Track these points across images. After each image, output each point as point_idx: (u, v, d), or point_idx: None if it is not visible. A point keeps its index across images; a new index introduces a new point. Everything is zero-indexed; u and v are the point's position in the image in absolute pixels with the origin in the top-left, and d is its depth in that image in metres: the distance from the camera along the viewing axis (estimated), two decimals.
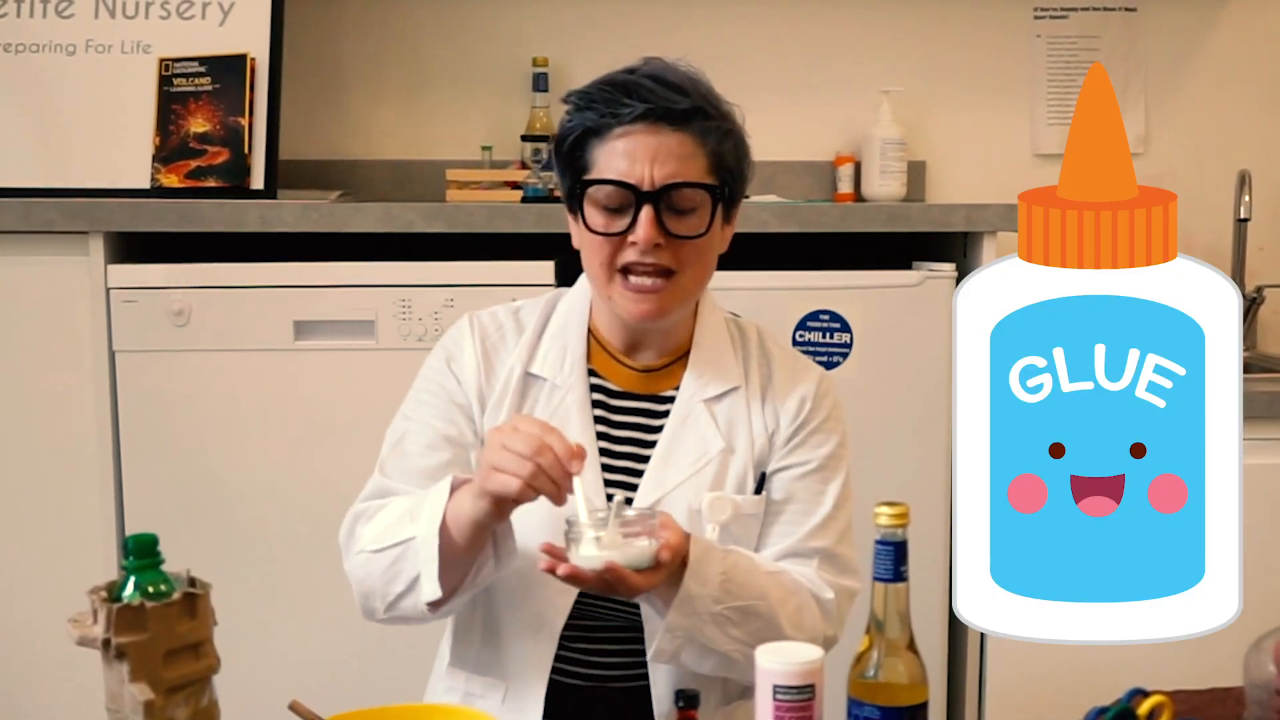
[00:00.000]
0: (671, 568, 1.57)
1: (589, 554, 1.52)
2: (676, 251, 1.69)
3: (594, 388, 1.80)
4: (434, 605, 1.64)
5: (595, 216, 1.70)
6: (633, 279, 1.70)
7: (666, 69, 1.71)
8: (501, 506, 1.56)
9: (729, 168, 1.73)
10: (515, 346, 1.81)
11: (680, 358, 1.82)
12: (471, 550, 1.61)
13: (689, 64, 1.74)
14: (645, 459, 1.78)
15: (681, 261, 1.70)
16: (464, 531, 1.59)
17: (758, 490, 1.78)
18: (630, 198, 1.67)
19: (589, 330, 1.82)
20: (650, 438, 1.79)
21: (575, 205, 1.74)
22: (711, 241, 1.74)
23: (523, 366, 1.79)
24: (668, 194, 1.66)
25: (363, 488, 1.80)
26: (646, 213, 1.66)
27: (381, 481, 1.78)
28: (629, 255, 1.69)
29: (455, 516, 1.59)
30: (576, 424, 1.76)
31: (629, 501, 1.71)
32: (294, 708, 1.43)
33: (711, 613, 1.62)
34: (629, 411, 1.80)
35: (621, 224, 1.68)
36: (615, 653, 1.77)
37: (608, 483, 1.76)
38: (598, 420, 1.78)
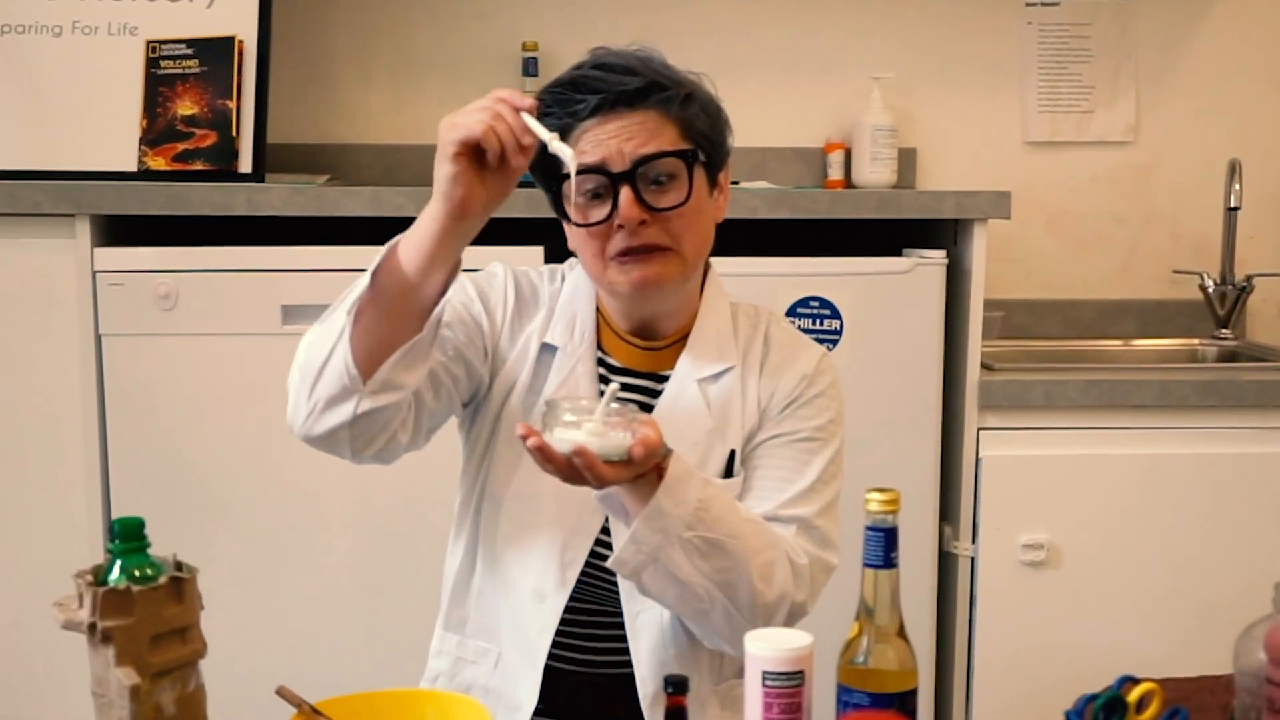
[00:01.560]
0: (644, 467, 1.54)
1: (563, 435, 1.50)
2: (665, 225, 1.68)
3: (599, 361, 1.81)
4: (359, 338, 1.57)
5: (578, 212, 1.70)
6: (625, 257, 1.69)
7: (611, 55, 1.70)
8: (462, 182, 1.53)
9: (701, 132, 1.72)
10: (539, 312, 1.83)
11: (682, 339, 1.82)
12: (423, 268, 1.57)
13: (640, 46, 1.75)
14: None
15: (673, 234, 1.69)
16: (420, 243, 1.56)
17: (728, 471, 1.78)
18: (605, 182, 1.66)
19: (596, 309, 1.83)
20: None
21: (559, 208, 1.74)
22: (700, 208, 1.73)
23: (540, 336, 1.81)
24: (641, 168, 1.66)
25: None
26: (626, 193, 1.65)
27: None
28: (619, 241, 1.68)
29: (408, 238, 1.58)
30: (583, 391, 1.77)
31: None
32: (281, 693, 1.43)
33: (681, 536, 1.59)
34: (630, 388, 1.80)
35: (603, 211, 1.67)
36: (607, 638, 1.77)
37: None
38: (602, 394, 1.78)
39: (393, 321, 1.58)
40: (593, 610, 1.77)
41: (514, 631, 1.78)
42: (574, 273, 1.85)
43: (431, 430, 1.77)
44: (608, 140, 1.66)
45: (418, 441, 1.72)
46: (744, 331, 1.84)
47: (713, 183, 1.77)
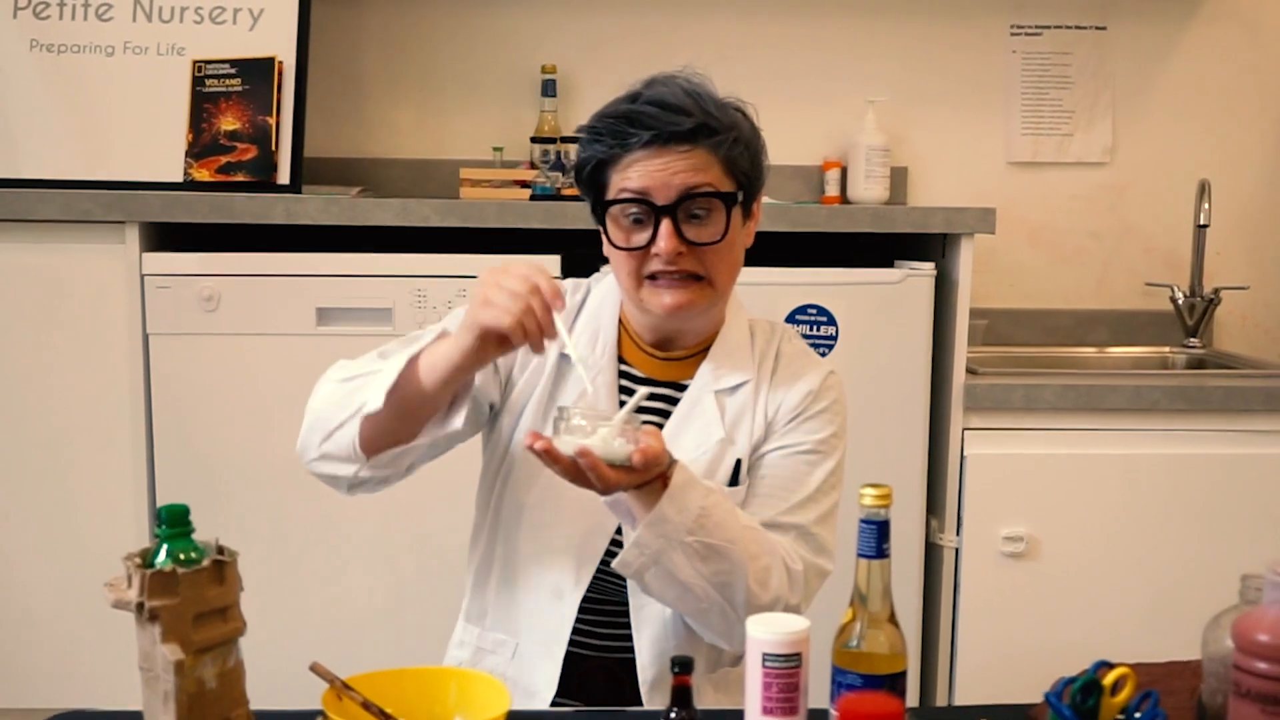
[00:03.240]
0: (646, 475, 1.52)
1: (569, 439, 1.49)
2: (701, 257, 1.68)
3: (621, 373, 1.80)
4: (369, 429, 1.60)
5: (618, 233, 1.69)
6: (661, 280, 1.69)
7: (668, 93, 1.67)
8: (484, 344, 1.53)
9: (743, 170, 1.70)
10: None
11: (702, 350, 1.80)
12: (435, 390, 1.58)
13: (692, 74, 1.72)
14: None
15: (707, 265, 1.69)
16: (436, 367, 1.56)
17: (734, 480, 1.76)
18: (648, 212, 1.66)
19: (620, 321, 1.81)
20: (665, 421, 1.78)
21: (600, 221, 1.73)
22: (734, 241, 1.71)
23: (559, 348, 1.78)
24: (684, 204, 1.65)
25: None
26: (666, 225, 1.64)
27: (372, 360, 1.73)
28: (654, 265, 1.67)
29: (431, 353, 1.58)
30: (603, 400, 1.76)
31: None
32: (315, 669, 1.43)
33: (682, 541, 1.57)
34: (652, 397, 1.78)
35: (643, 237, 1.66)
36: (615, 625, 1.77)
37: None
38: (623, 403, 1.76)
39: (399, 421, 1.61)
40: (603, 601, 1.77)
41: (532, 625, 1.77)
42: (600, 286, 1.84)
43: (441, 452, 1.76)
44: (655, 172, 1.64)
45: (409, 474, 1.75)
46: (759, 346, 1.82)
47: (747, 213, 1.75)
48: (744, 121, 1.72)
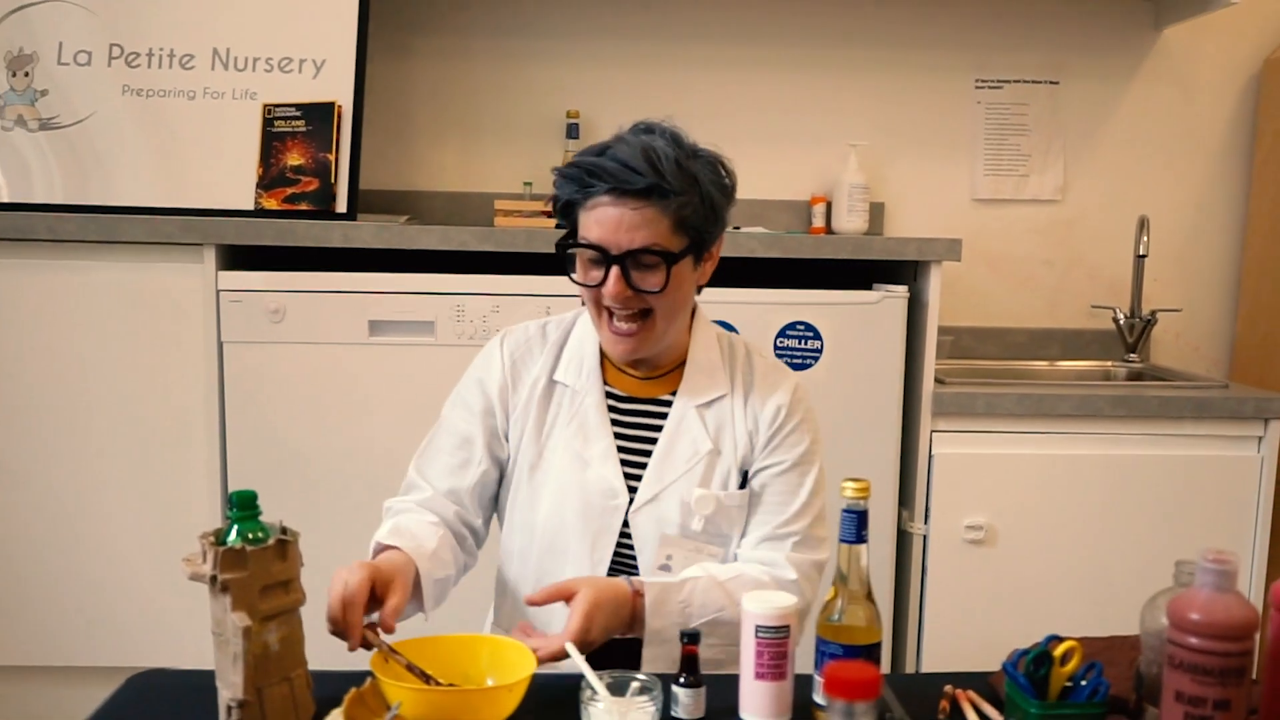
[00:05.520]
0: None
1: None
2: (644, 297, 1.64)
3: (606, 394, 1.77)
4: None
5: (580, 269, 1.67)
6: (615, 322, 1.67)
7: (630, 153, 1.60)
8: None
9: (693, 225, 1.64)
10: (540, 357, 1.79)
11: (676, 367, 1.77)
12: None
13: (665, 130, 1.66)
14: (647, 454, 1.74)
15: (650, 304, 1.65)
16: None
17: (741, 485, 1.75)
18: (602, 257, 1.62)
19: (600, 346, 1.78)
20: (652, 435, 1.74)
21: (566, 264, 1.69)
22: (678, 287, 1.66)
23: (548, 375, 1.78)
24: (633, 255, 1.61)
25: (416, 455, 1.81)
26: (615, 272, 1.61)
27: (412, 477, 1.80)
28: (608, 300, 1.65)
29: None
30: (594, 421, 1.74)
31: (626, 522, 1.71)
32: (366, 636, 1.43)
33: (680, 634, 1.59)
34: (635, 414, 1.76)
35: (597, 276, 1.63)
36: None
37: (625, 475, 1.73)
38: (612, 421, 1.75)
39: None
40: None
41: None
42: (583, 318, 1.80)
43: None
44: (610, 224, 1.60)
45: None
46: (730, 361, 1.79)
47: (700, 257, 1.70)
48: (706, 176, 1.65)
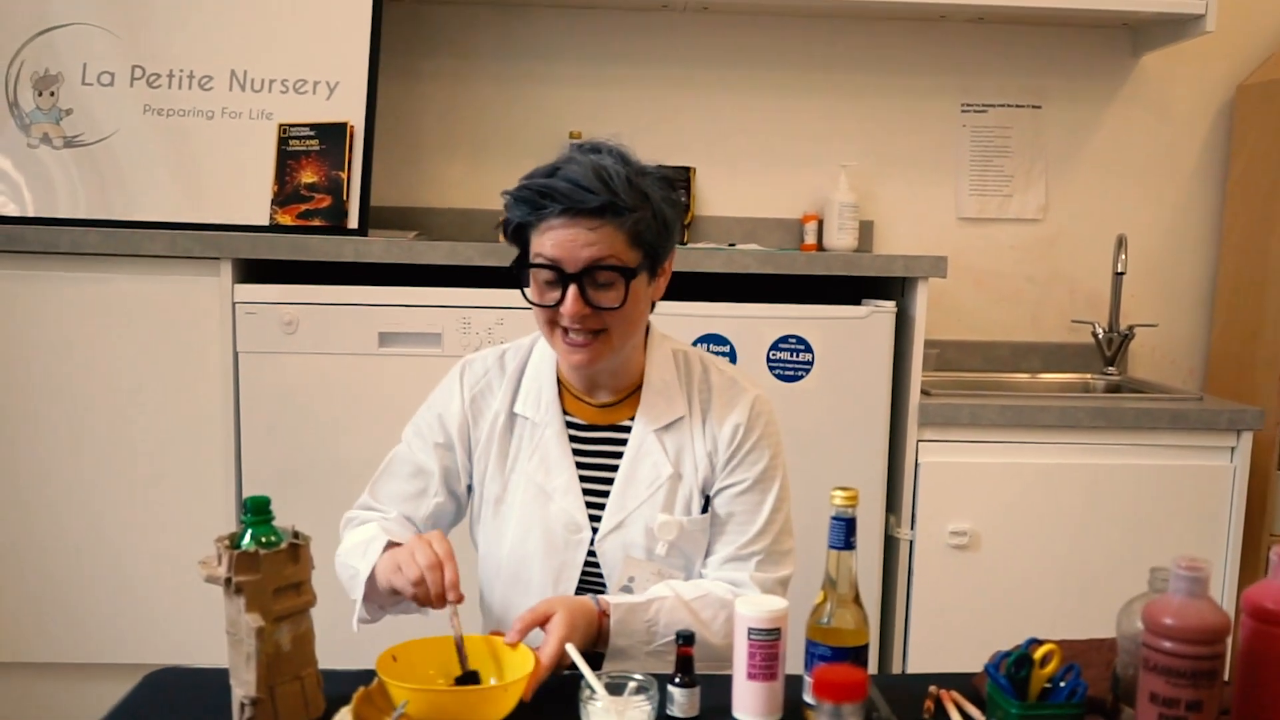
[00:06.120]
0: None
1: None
2: (602, 316, 1.59)
3: (567, 424, 1.72)
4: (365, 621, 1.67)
5: (535, 290, 1.61)
6: (570, 335, 1.62)
7: (580, 172, 1.55)
8: (391, 593, 1.57)
9: (647, 241, 1.59)
10: (499, 391, 1.75)
11: (634, 391, 1.72)
12: (387, 600, 1.63)
13: (614, 148, 1.61)
14: (611, 481, 1.70)
15: (607, 322, 1.60)
16: (383, 586, 1.58)
17: (704, 509, 1.71)
18: (557, 276, 1.57)
19: (557, 375, 1.74)
20: (614, 462, 1.70)
21: (518, 277, 1.64)
22: (636, 300, 1.61)
23: (507, 409, 1.74)
24: (589, 273, 1.56)
25: (371, 480, 1.81)
26: (572, 290, 1.56)
27: (367, 499, 1.80)
28: (564, 320, 1.59)
29: (379, 572, 1.59)
30: (556, 453, 1.70)
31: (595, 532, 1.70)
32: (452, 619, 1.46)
33: (646, 651, 1.57)
34: (595, 442, 1.71)
35: (554, 296, 1.58)
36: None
37: (586, 504, 1.70)
38: (574, 452, 1.71)
39: (378, 596, 1.63)
40: (602, 585, 1.72)
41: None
42: (539, 346, 1.76)
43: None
44: (565, 243, 1.55)
45: None
46: (686, 379, 1.73)
47: (654, 272, 1.65)
48: (656, 193, 1.61)
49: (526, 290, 1.63)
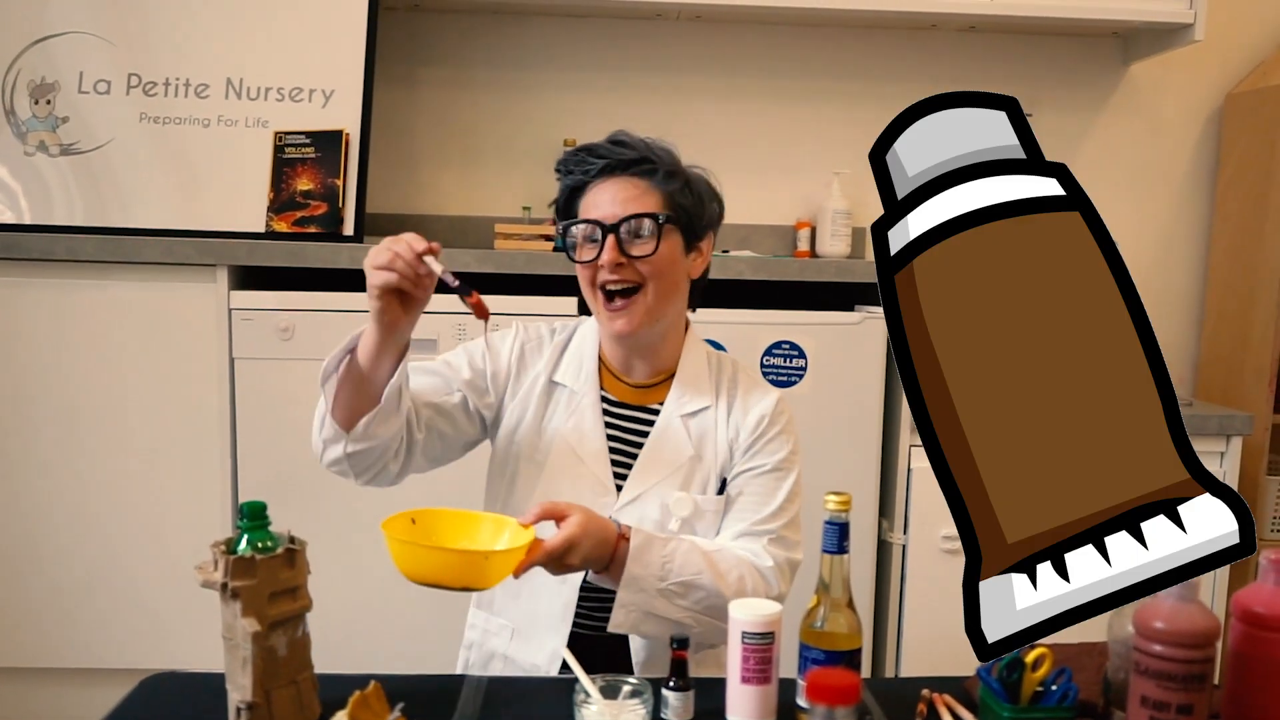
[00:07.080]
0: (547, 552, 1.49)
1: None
2: (637, 267, 1.68)
3: (601, 398, 1.79)
4: (339, 408, 1.62)
5: (576, 250, 1.72)
6: (611, 301, 1.70)
7: (623, 135, 1.74)
8: (385, 300, 1.53)
9: (681, 205, 1.72)
10: (544, 355, 1.82)
11: (668, 378, 1.80)
12: (372, 357, 1.59)
13: (656, 138, 1.77)
14: (635, 456, 1.76)
15: (644, 276, 1.69)
16: (366, 337, 1.58)
17: (720, 491, 1.75)
18: (596, 230, 1.69)
19: (599, 354, 1.82)
20: (639, 440, 1.76)
21: (567, 248, 1.74)
22: (671, 259, 1.72)
23: (548, 375, 1.80)
24: (625, 223, 1.67)
25: (421, 480, 1.80)
26: (609, 240, 1.67)
27: None
28: (603, 274, 1.69)
29: (361, 344, 1.60)
30: (590, 421, 1.76)
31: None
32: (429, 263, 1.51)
33: (658, 589, 1.58)
34: (626, 419, 1.78)
35: (594, 252, 1.69)
36: (610, 607, 1.75)
37: (613, 474, 1.75)
38: (606, 424, 1.77)
39: (359, 395, 1.61)
40: (600, 586, 1.73)
41: (535, 609, 1.75)
42: (584, 326, 1.85)
43: (436, 460, 1.77)
44: (603, 200, 1.69)
45: (410, 468, 1.74)
46: (717, 376, 1.81)
47: (690, 246, 1.76)
48: (690, 171, 1.76)
49: (573, 253, 1.73)
